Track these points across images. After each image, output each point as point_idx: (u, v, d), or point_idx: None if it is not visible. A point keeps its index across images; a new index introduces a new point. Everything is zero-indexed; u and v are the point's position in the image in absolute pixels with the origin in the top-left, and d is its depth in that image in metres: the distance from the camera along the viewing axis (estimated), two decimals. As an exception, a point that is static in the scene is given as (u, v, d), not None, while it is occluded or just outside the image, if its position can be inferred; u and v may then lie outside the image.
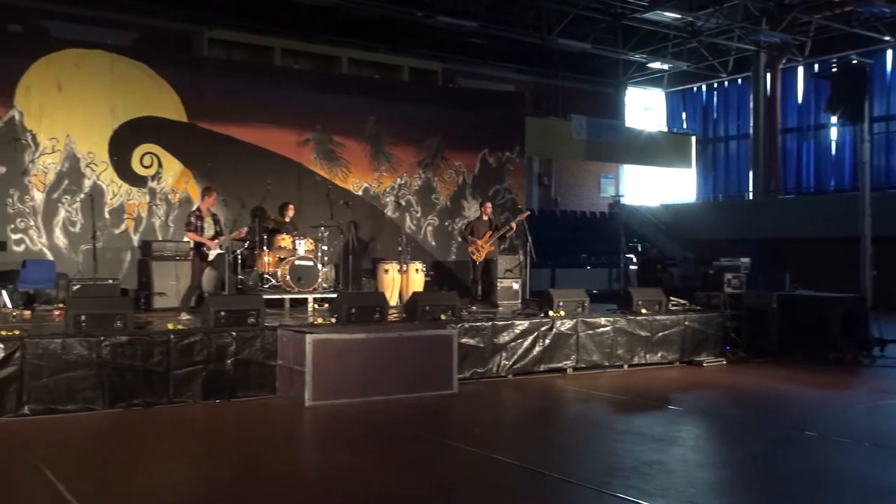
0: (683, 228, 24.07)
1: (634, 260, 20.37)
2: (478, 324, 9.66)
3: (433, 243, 15.16)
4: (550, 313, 10.36)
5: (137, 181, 12.62)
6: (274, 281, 11.92)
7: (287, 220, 12.58)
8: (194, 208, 11.27)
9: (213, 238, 10.81)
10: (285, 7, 18.19)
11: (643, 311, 11.02)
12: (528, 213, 12.90)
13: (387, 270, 12.51)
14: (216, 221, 10.91)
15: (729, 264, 12.19)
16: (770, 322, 11.65)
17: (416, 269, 12.55)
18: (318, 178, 14.03)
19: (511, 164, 16.02)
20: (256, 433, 7.10)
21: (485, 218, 12.57)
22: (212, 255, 10.72)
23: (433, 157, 15.24)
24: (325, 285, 12.19)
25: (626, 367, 10.66)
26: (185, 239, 11.88)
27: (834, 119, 20.24)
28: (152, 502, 5.18)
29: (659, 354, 10.93)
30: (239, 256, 11.87)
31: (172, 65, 13.18)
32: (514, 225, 12.43)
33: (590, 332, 10.41)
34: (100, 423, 7.27)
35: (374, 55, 19.80)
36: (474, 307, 11.68)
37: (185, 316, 9.85)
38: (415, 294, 10.48)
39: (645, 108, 27.91)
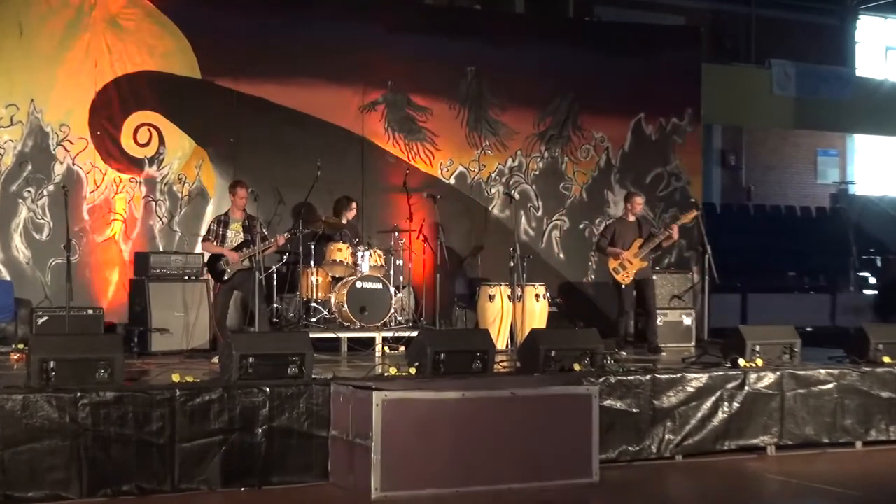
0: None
1: (872, 280, 19.78)
2: (630, 378, 9.56)
3: (561, 256, 15.10)
4: (741, 362, 10.20)
5: (130, 165, 12.94)
6: (326, 312, 12.03)
7: (345, 221, 12.69)
8: (222, 212, 11.55)
9: (237, 249, 11.02)
10: None
11: (885, 359, 10.75)
12: (696, 212, 12.58)
13: (492, 297, 12.49)
14: (249, 228, 11.13)
15: None
16: None
17: (536, 295, 12.51)
18: (390, 160, 14.15)
19: (680, 135, 15.83)
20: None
21: (631, 218, 12.42)
22: (229, 271, 10.99)
23: (561, 126, 15.18)
24: (400, 318, 12.25)
25: (858, 445, 10.44)
26: (198, 250, 12.21)
27: None
28: None
29: (911, 427, 10.67)
30: (275, 276, 12.05)
31: (180, -4, 13.52)
32: (675, 232, 12.14)
33: (802, 391, 10.21)
34: (75, 518, 7.42)
35: (472, -25, 19.87)
36: (624, 352, 11.57)
37: (215, 360, 10.09)
38: (534, 333, 10.42)
39: (887, 48, 27.22)
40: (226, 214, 11.43)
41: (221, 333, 10.94)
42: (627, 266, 12.11)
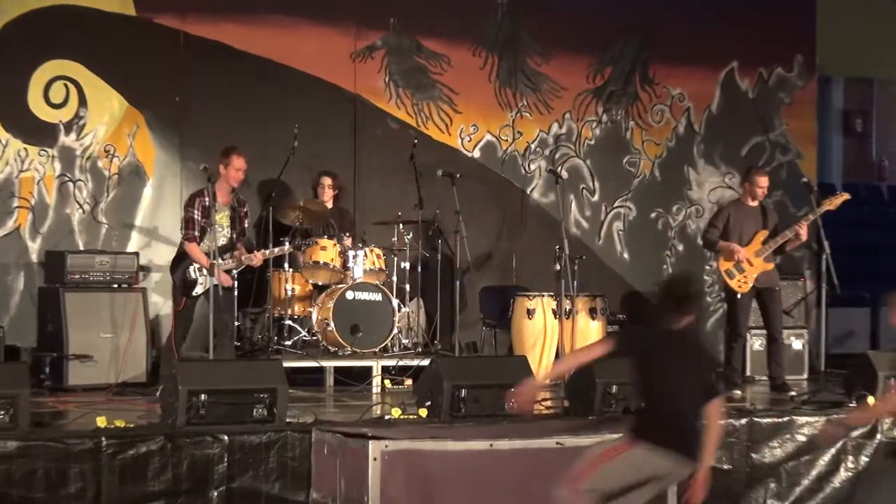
0: None
1: None
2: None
3: (625, 256, 15.14)
4: (870, 401, 10.20)
5: (39, 134, 12.93)
6: (305, 332, 12.03)
7: (329, 205, 12.66)
8: (201, 192, 11.30)
9: (226, 251, 10.94)
10: None
11: None
12: (845, 196, 12.34)
13: (531, 312, 12.51)
14: (238, 219, 11.03)
15: None
16: None
17: (592, 310, 12.55)
18: (392, 125, 14.17)
19: (788, 92, 15.85)
20: None
21: (752, 203, 12.31)
22: (202, 285, 10.87)
23: (625, 79, 15.20)
24: (405, 341, 12.24)
25: None
26: (131, 248, 12.14)
27: None
28: None
29: None
30: (235, 284, 11.99)
31: None
32: (803, 231, 11.95)
33: (955, 442, 10.17)
34: None
35: None
36: (739, 391, 11.62)
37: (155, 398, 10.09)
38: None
39: None
40: (209, 190, 11.02)
41: (173, 356, 10.86)
42: (746, 268, 11.93)
